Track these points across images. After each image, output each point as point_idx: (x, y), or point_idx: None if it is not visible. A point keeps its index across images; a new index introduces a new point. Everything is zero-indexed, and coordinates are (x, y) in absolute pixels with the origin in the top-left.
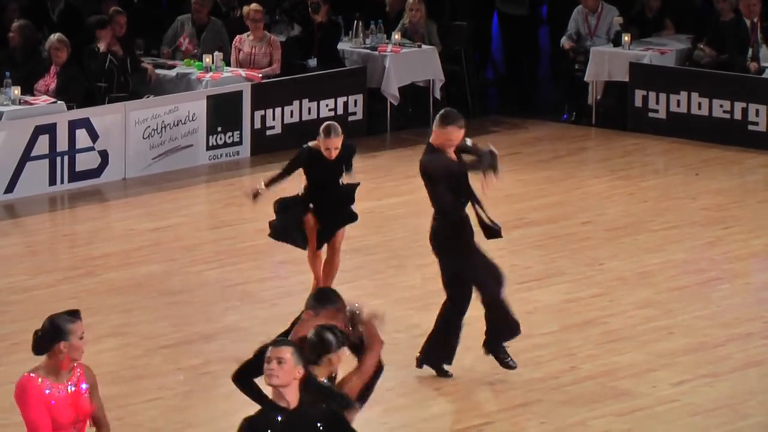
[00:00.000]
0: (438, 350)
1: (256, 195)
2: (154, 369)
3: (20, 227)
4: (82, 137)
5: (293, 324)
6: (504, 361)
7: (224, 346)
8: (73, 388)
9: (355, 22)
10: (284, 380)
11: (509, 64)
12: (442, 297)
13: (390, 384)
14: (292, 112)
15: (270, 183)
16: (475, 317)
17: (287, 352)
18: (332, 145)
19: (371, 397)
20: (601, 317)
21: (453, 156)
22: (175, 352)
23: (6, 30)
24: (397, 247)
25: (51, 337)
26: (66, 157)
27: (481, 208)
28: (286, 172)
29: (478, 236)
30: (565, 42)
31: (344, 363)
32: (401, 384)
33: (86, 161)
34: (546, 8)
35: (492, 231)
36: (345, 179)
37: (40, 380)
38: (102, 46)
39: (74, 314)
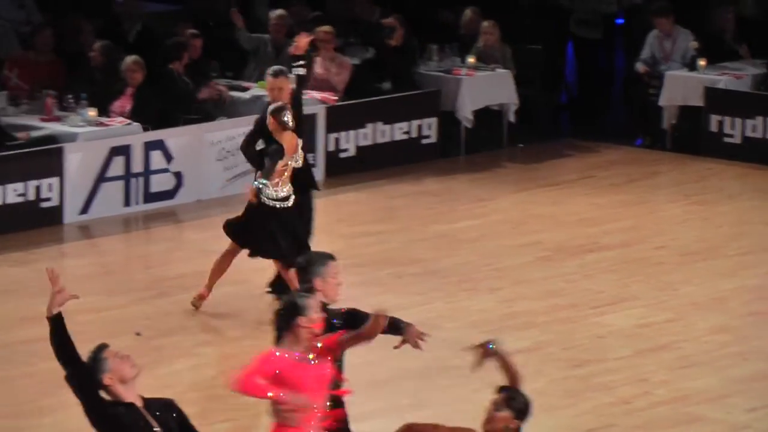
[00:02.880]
0: None
1: None
2: (227, 391)
3: (95, 247)
4: (156, 159)
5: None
6: None
7: None
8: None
9: (429, 45)
10: None
11: (582, 88)
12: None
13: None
14: (365, 134)
15: None
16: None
17: None
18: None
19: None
20: (674, 342)
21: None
22: None
23: (82, 51)
24: (469, 271)
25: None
26: (141, 179)
27: None
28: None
29: None
30: (639, 66)
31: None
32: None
33: (161, 182)
34: (620, 32)
35: None
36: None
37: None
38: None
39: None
